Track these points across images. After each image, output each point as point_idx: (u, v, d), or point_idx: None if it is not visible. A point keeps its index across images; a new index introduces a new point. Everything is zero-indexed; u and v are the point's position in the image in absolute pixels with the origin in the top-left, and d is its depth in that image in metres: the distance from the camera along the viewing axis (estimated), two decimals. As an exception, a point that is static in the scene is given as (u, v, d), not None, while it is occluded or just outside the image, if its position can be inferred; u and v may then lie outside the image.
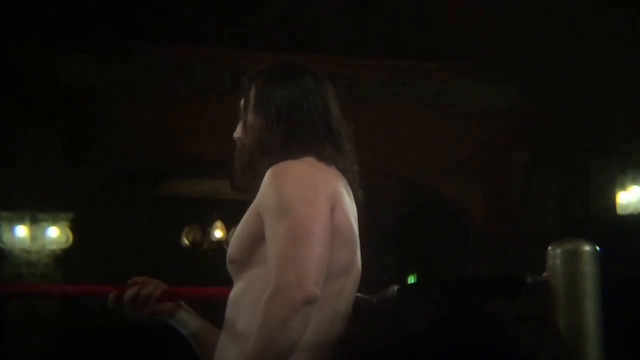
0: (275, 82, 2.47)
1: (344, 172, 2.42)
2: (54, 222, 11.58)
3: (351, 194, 2.42)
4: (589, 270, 2.28)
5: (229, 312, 2.38)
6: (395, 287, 2.62)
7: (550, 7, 11.38)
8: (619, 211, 10.77)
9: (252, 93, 2.48)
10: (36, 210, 11.43)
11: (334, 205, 2.27)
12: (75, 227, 11.70)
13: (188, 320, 2.56)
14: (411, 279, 14.64)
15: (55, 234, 11.59)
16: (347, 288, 2.39)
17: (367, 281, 2.69)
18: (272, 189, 2.26)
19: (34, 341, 11.04)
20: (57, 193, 11.44)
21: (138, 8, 11.98)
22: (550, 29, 11.47)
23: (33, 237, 11.48)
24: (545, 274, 2.34)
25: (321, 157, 2.38)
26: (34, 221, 11.48)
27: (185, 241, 13.52)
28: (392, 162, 12.20)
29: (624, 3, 10.76)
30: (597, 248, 2.32)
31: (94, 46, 11.64)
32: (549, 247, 2.35)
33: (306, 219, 2.19)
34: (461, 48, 12.50)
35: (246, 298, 2.31)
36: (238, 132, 2.51)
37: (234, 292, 2.38)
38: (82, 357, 10.82)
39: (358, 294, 2.60)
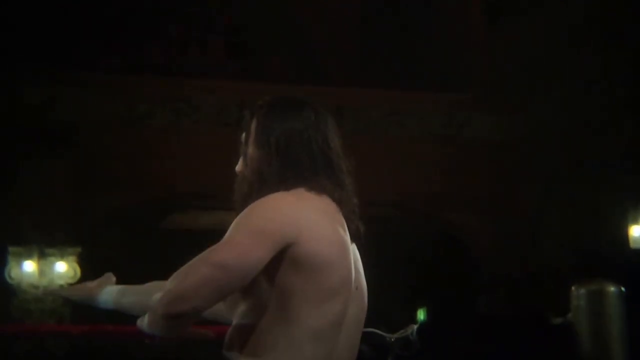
0: (275, 115, 2.47)
1: (339, 203, 2.41)
2: (62, 256, 11.56)
3: (344, 224, 2.40)
4: (614, 310, 2.25)
5: (224, 349, 2.38)
6: (415, 326, 2.59)
7: (556, 38, 11.41)
8: (632, 245, 10.67)
9: (253, 126, 2.49)
10: (44, 245, 11.42)
11: (300, 235, 2.26)
12: (82, 262, 11.67)
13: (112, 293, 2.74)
14: (420, 314, 14.56)
15: (63, 268, 11.57)
16: (348, 320, 2.36)
17: (381, 314, 2.66)
18: (237, 218, 2.29)
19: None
20: (65, 228, 11.43)
21: (145, 42, 12.03)
22: (559, 59, 11.48)
23: (41, 272, 11.47)
24: (569, 314, 2.30)
25: (312, 188, 2.37)
26: (42, 256, 11.48)
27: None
28: (399, 193, 12.19)
29: (627, 36, 10.79)
30: (622, 289, 2.29)
31: (101, 79, 11.67)
32: (573, 288, 2.31)
33: (231, 249, 2.21)
34: (468, 79, 12.52)
35: (237, 335, 2.34)
36: (239, 166, 2.52)
37: (230, 330, 2.39)
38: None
39: (376, 330, 2.58)
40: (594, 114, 11.08)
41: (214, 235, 2.30)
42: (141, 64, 11.97)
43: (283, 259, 2.25)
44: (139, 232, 13.41)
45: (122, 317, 2.68)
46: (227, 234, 2.25)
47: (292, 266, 2.26)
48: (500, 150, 12.10)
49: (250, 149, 2.48)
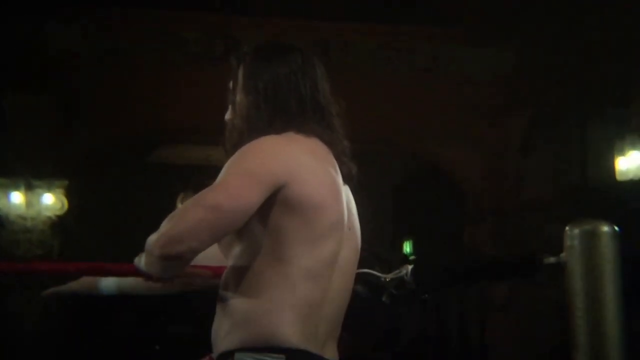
0: (262, 60, 2.50)
1: (329, 145, 2.46)
2: (49, 189, 11.56)
3: (336, 166, 2.45)
4: (608, 251, 2.23)
5: (220, 289, 2.42)
6: (409, 267, 2.62)
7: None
8: (619, 177, 10.71)
9: (240, 73, 2.52)
10: (31, 177, 11.40)
11: (291, 177, 2.30)
12: (69, 194, 11.67)
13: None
14: (406, 246, 14.67)
15: (50, 200, 11.58)
16: (342, 260, 2.41)
17: (372, 253, 2.69)
18: (229, 161, 2.31)
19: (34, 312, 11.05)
20: (52, 160, 11.40)
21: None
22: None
23: (29, 204, 11.47)
24: (562, 254, 2.30)
25: (301, 131, 2.41)
26: (29, 188, 11.46)
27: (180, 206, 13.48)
28: (387, 128, 12.18)
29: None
30: (616, 228, 2.28)
31: (86, 12, 11.54)
32: (567, 227, 2.31)
33: (224, 191, 2.23)
34: (455, 13, 12.43)
35: (232, 275, 2.38)
36: (228, 114, 2.55)
37: (225, 271, 2.43)
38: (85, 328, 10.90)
39: (370, 271, 2.61)
40: (581, 47, 11.06)
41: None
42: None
43: (275, 201, 2.29)
44: (126, 166, 13.40)
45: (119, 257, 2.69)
46: (219, 177, 2.28)
47: (285, 208, 2.30)
48: (489, 85, 12.08)
49: (239, 97, 2.51)
